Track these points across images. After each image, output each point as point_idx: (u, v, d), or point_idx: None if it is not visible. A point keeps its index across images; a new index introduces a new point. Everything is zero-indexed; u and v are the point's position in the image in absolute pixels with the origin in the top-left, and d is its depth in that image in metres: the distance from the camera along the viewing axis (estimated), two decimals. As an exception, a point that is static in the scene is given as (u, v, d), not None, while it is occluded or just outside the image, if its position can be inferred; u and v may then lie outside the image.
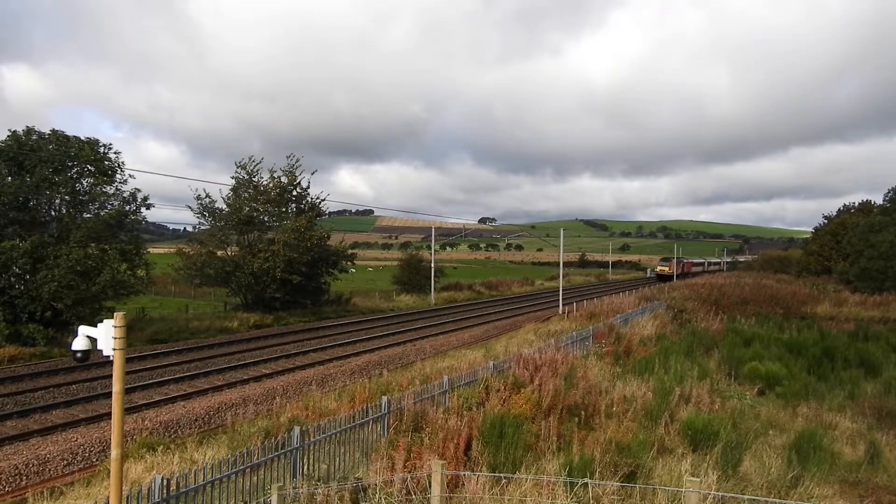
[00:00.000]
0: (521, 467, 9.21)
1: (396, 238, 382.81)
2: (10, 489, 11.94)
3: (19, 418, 15.49)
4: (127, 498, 6.32)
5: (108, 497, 6.04)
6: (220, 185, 43.86)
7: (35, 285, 23.81)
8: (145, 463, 11.71)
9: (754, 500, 8.03)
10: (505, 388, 12.71)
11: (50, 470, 12.72)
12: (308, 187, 39.33)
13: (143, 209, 28.42)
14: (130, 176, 28.03)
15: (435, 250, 59.37)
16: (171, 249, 40.75)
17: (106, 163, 27.11)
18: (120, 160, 27.55)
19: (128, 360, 7.28)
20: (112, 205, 27.38)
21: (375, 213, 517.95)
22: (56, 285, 23.49)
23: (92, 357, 6.26)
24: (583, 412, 12.06)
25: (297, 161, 38.59)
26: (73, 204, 26.46)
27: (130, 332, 23.41)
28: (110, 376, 5.89)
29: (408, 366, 22.26)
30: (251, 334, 29.86)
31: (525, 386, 12.86)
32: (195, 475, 7.35)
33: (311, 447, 9.12)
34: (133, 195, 27.96)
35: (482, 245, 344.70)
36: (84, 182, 26.82)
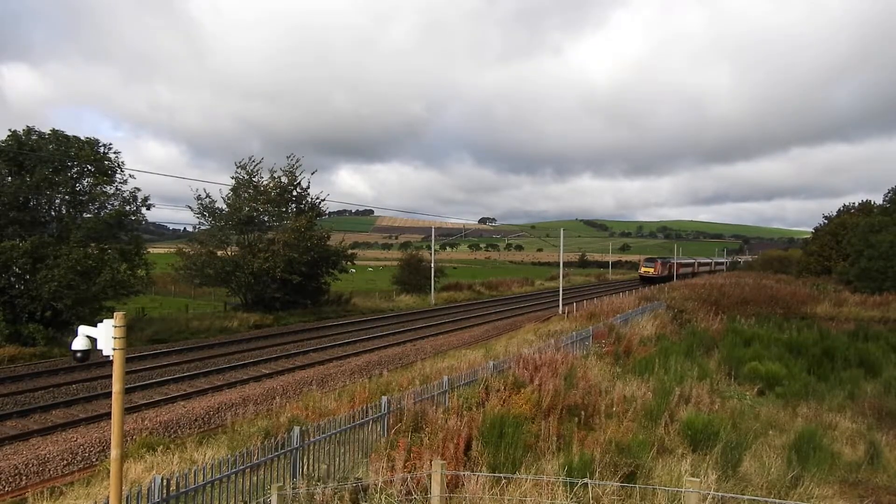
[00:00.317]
0: (521, 467, 9.21)
1: (396, 238, 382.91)
2: (10, 489, 11.94)
3: (19, 418, 15.49)
4: (127, 498, 6.32)
5: (108, 497, 6.04)
6: (220, 185, 43.89)
7: (35, 285, 23.81)
8: (145, 463, 11.71)
9: (754, 500, 8.03)
10: (505, 388, 12.72)
11: (50, 470, 12.72)
12: (308, 187, 39.42)
13: (143, 209, 28.46)
14: (130, 176, 28.07)
15: (435, 250, 59.38)
16: (171, 249, 40.77)
17: (106, 163, 27.11)
18: (120, 160, 27.59)
19: (128, 360, 7.28)
20: (112, 205, 27.38)
21: (375, 213, 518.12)
22: (56, 285, 23.49)
23: (92, 357, 6.26)
24: (583, 412, 12.06)
25: (298, 161, 38.67)
26: (73, 204, 26.46)
27: (130, 332, 23.40)
28: (110, 376, 5.89)
29: (408, 366, 22.26)
30: (251, 334, 29.86)
31: (525, 386, 12.87)
32: (195, 475, 7.35)
33: (311, 447, 9.12)
34: (133, 195, 27.96)
35: (482, 245, 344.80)
36: (84, 182, 26.82)
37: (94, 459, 13.30)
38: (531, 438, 10.41)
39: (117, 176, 27.48)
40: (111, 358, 5.87)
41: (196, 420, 16.04)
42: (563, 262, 50.81)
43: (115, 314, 5.87)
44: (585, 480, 7.72)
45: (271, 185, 37.64)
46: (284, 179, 38.04)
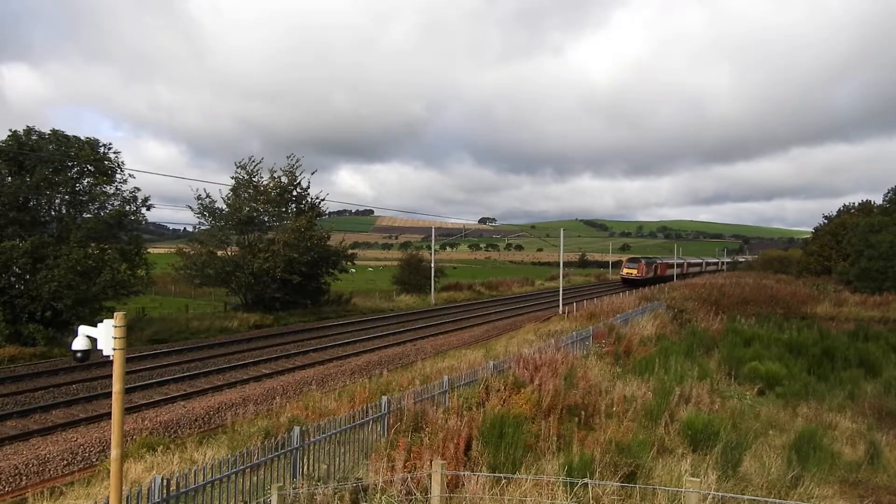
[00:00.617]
0: (521, 467, 9.21)
1: (396, 238, 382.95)
2: (10, 489, 11.94)
3: (19, 418, 15.49)
4: (127, 498, 6.32)
5: (108, 497, 6.04)
6: (220, 185, 43.90)
7: (35, 285, 23.81)
8: (145, 463, 11.71)
9: (754, 500, 8.03)
10: (505, 388, 12.72)
11: (50, 470, 12.72)
12: (308, 187, 39.40)
13: (143, 209, 28.46)
14: (130, 176, 28.07)
15: (435, 250, 59.37)
16: (171, 249, 40.77)
17: (106, 163, 27.11)
18: (120, 160, 27.59)
19: (128, 360, 7.28)
20: (112, 205, 27.38)
21: (375, 213, 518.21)
22: (56, 285, 23.49)
23: (92, 357, 6.26)
24: (583, 412, 12.06)
25: (298, 161, 38.66)
26: (73, 204, 26.46)
27: (130, 332, 23.41)
28: (110, 376, 5.89)
29: (408, 366, 22.26)
30: (251, 334, 29.85)
31: (525, 386, 12.87)
32: (195, 475, 7.35)
33: (311, 447, 9.12)
34: (133, 195, 27.96)
35: (482, 245, 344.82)
36: (84, 182, 26.81)
37: (94, 459, 13.30)
38: (531, 438, 10.41)
39: (117, 176, 27.50)
40: (111, 358, 5.87)
41: (196, 420, 16.04)
42: (563, 262, 50.80)
43: (115, 314, 5.87)
44: (585, 480, 7.72)
45: (271, 185, 37.64)
46: (284, 179, 38.05)
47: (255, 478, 8.15)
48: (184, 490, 7.08)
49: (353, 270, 69.24)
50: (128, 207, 27.74)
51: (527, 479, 8.22)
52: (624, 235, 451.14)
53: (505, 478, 8.20)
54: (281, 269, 34.08)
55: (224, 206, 36.96)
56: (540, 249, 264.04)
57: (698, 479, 7.26)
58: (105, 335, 5.86)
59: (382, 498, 7.82)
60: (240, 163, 37.40)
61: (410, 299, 48.99)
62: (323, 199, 40.33)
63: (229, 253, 36.44)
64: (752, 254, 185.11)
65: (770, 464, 10.78)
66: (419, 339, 29.76)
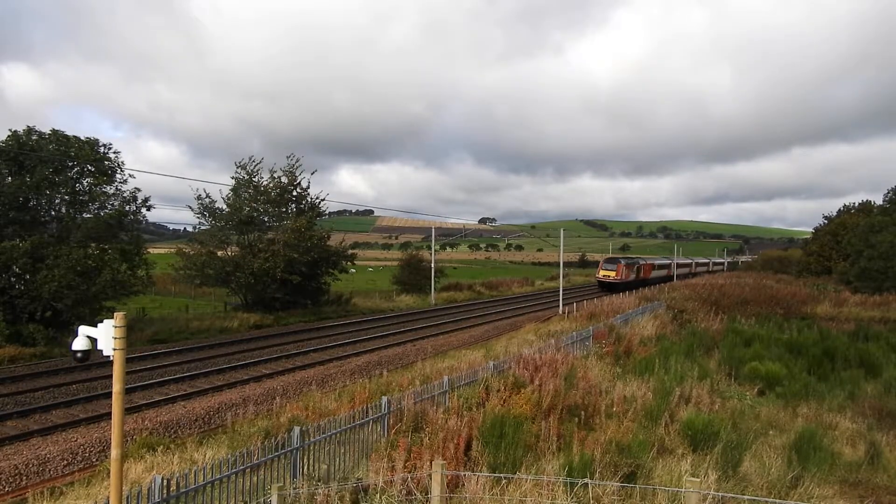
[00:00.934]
0: (521, 467, 9.21)
1: (396, 238, 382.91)
2: (10, 489, 11.94)
3: (19, 418, 15.49)
4: (127, 498, 6.32)
5: (108, 497, 6.04)
6: (220, 185, 43.87)
7: (35, 285, 23.81)
8: (145, 463, 11.72)
9: (754, 500, 8.03)
10: (505, 389, 12.72)
11: (50, 470, 12.71)
12: (308, 187, 39.37)
13: (143, 209, 28.48)
14: (130, 176, 28.11)
15: (435, 250, 59.36)
16: (171, 249, 40.74)
17: (106, 163, 27.13)
18: (120, 160, 27.62)
19: (128, 361, 7.28)
20: (112, 205, 27.40)
21: (375, 214, 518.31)
22: (56, 285, 23.49)
23: (92, 357, 6.26)
24: (583, 412, 12.06)
25: (298, 161, 38.64)
26: (73, 204, 26.47)
27: (130, 333, 23.40)
28: (110, 376, 5.89)
29: (408, 366, 22.26)
30: (251, 334, 29.85)
31: (525, 386, 12.87)
32: (195, 475, 7.35)
33: (311, 447, 9.12)
34: (133, 195, 27.99)
35: (482, 245, 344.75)
36: (84, 182, 26.83)
37: (94, 459, 13.29)
38: (531, 438, 10.41)
39: (117, 176, 27.53)
40: (111, 358, 5.87)
41: (196, 420, 16.03)
42: (564, 263, 50.79)
43: (115, 314, 5.87)
44: (585, 480, 7.72)
45: (271, 185, 37.63)
46: (284, 179, 38.04)
47: (256, 478, 8.15)
48: (184, 490, 7.08)
49: (353, 270, 69.25)
50: (128, 207, 27.76)
51: (527, 480, 8.22)
52: (624, 235, 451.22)
53: (505, 478, 8.20)
54: (281, 269, 34.07)
55: (224, 207, 36.96)
56: (540, 249, 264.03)
57: (698, 479, 7.26)
58: (105, 335, 5.86)
59: (382, 498, 7.82)
60: (240, 163, 37.42)
61: (410, 299, 48.98)
62: (323, 199, 40.35)
63: (229, 253, 36.44)
64: (752, 254, 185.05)
65: (770, 464, 10.78)
66: (419, 339, 29.75)
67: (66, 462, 13.04)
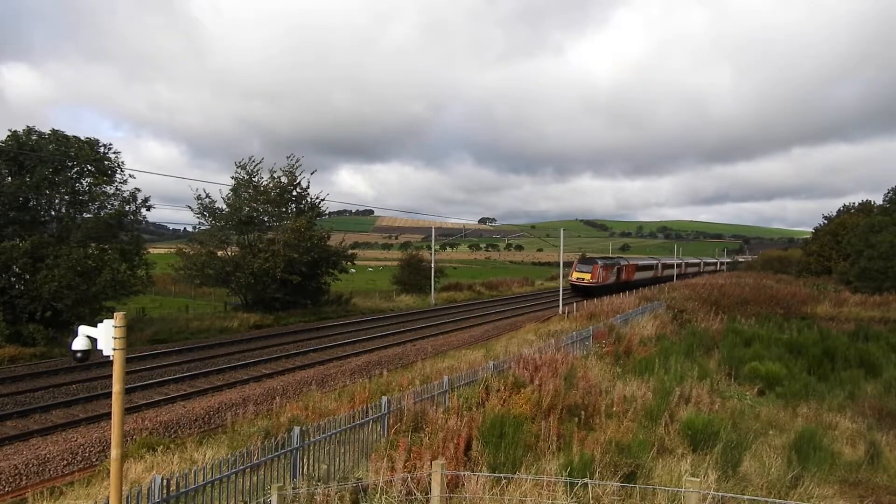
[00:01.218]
0: (521, 467, 9.21)
1: (396, 238, 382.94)
2: (10, 489, 11.94)
3: (19, 418, 15.49)
4: (127, 498, 6.32)
5: (108, 497, 6.04)
6: (220, 185, 43.88)
7: (35, 285, 23.81)
8: (145, 463, 11.72)
9: (754, 500, 8.03)
10: (505, 389, 12.72)
11: (50, 470, 12.72)
12: (308, 187, 39.39)
13: (143, 209, 28.48)
14: (130, 176, 28.12)
15: (435, 250, 59.36)
16: (171, 249, 40.76)
17: (106, 163, 27.14)
18: (120, 160, 27.63)
19: (128, 361, 7.28)
20: (112, 205, 27.41)
21: (375, 213, 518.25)
22: (56, 285, 23.49)
23: (92, 357, 6.26)
24: (583, 412, 12.07)
25: (298, 161, 38.65)
26: (73, 204, 26.47)
27: (130, 333, 23.40)
28: (110, 376, 5.89)
29: (408, 366, 22.26)
30: (251, 334, 29.85)
31: (525, 386, 12.87)
32: (195, 475, 7.35)
33: (311, 447, 9.12)
34: (133, 195, 27.99)
35: (482, 245, 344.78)
36: (84, 182, 26.84)
37: (94, 459, 13.29)
38: (531, 438, 10.41)
39: (117, 176, 27.54)
40: (111, 358, 5.87)
41: (196, 420, 16.03)
42: (564, 262, 50.77)
43: (115, 314, 5.87)
44: (585, 480, 7.72)
45: (271, 185, 37.64)
46: (284, 179, 38.04)
47: (255, 478, 8.15)
48: (184, 490, 7.08)
49: (353, 270, 69.25)
50: (128, 207, 27.77)
51: (527, 480, 8.21)
52: (624, 235, 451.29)
53: (505, 478, 8.20)
54: (281, 269, 34.08)
55: (224, 207, 36.97)
56: (540, 249, 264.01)
57: (698, 479, 7.26)
58: (105, 335, 5.86)
59: (382, 498, 7.82)
60: (240, 163, 37.43)
61: (410, 299, 48.99)
62: (323, 199, 40.36)
63: (229, 253, 36.44)
64: (752, 254, 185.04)
65: (770, 464, 10.78)
66: (419, 339, 29.76)
67: (66, 462, 13.04)
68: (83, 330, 6.14)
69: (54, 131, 26.41)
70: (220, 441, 13.34)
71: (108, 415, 12.29)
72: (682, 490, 7.17)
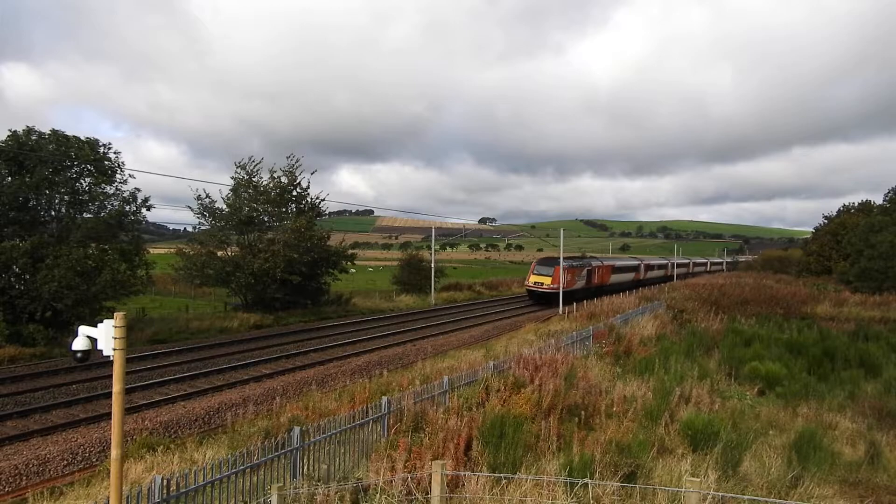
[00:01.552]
0: (521, 467, 9.21)
1: (396, 238, 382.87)
2: (10, 489, 11.94)
3: (19, 418, 15.49)
4: (127, 498, 6.32)
5: (108, 497, 6.04)
6: (220, 185, 43.90)
7: (35, 285, 23.81)
8: (145, 463, 11.72)
9: (754, 500, 8.03)
10: (505, 389, 12.73)
11: (50, 470, 12.71)
12: (308, 187, 39.37)
13: (143, 210, 28.48)
14: (130, 176, 28.10)
15: (435, 250, 59.35)
16: (171, 249, 40.75)
17: (106, 163, 27.13)
18: (120, 160, 27.63)
19: (128, 361, 7.28)
20: (112, 205, 27.40)
21: (375, 214, 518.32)
22: (56, 285, 23.49)
23: (92, 357, 6.26)
24: (583, 412, 12.07)
25: (298, 161, 38.64)
26: (73, 204, 26.47)
27: (130, 333, 23.39)
28: (110, 376, 5.89)
29: (408, 366, 22.26)
30: (251, 334, 29.84)
31: (525, 386, 12.87)
32: (195, 475, 7.35)
33: (311, 447, 9.12)
34: (133, 195, 27.98)
35: (482, 245, 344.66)
36: (84, 182, 26.84)
37: (94, 459, 13.29)
38: (531, 438, 10.41)
39: (117, 176, 27.53)
40: (111, 358, 5.87)
41: (196, 420, 16.03)
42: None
43: (115, 314, 5.87)
44: (585, 480, 7.72)
45: (271, 185, 37.64)
46: (284, 179, 38.03)
47: (255, 478, 8.15)
48: (184, 490, 7.08)
49: (353, 270, 69.24)
50: (128, 207, 27.76)
51: (527, 480, 8.22)
52: (624, 235, 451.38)
53: (505, 478, 8.20)
54: (281, 269, 34.07)
55: (224, 207, 36.96)
56: (540, 249, 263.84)
57: (698, 479, 7.26)
58: (105, 335, 5.86)
59: (382, 498, 7.81)
60: (240, 163, 37.42)
61: (410, 299, 48.97)
62: (323, 200, 40.35)
63: (229, 253, 36.43)
64: (752, 254, 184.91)
65: (770, 464, 10.79)
66: (419, 339, 29.75)
67: (66, 462, 13.03)
68: (83, 330, 6.14)
69: (54, 131, 26.42)
70: (221, 441, 13.34)
71: (109, 415, 12.30)
72: (683, 490, 7.17)
